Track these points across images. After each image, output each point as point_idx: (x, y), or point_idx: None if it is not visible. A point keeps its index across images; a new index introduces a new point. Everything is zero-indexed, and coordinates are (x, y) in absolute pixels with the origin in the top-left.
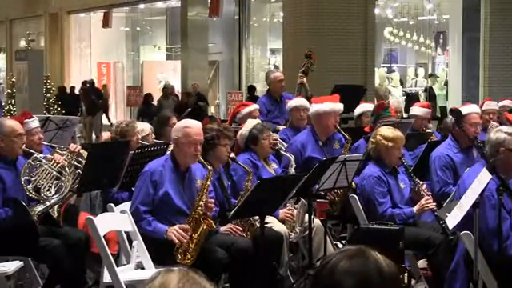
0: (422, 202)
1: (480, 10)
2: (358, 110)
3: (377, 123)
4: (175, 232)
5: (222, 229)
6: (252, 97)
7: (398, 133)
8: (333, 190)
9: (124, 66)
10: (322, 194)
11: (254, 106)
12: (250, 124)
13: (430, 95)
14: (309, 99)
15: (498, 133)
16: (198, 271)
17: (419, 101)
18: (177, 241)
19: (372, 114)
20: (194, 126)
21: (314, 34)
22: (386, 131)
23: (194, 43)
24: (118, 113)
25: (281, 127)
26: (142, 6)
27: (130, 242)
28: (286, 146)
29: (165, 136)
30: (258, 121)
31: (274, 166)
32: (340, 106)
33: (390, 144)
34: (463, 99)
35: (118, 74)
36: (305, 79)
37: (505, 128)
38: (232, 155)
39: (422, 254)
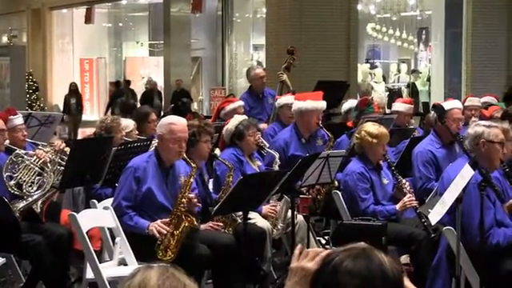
0: (405, 199)
1: (462, 5)
2: (346, 105)
3: (360, 119)
4: (156, 226)
5: (203, 227)
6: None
7: (382, 129)
8: (315, 186)
9: (107, 62)
10: (304, 191)
11: (239, 103)
12: (236, 119)
13: (413, 91)
14: (292, 93)
15: (476, 127)
16: (178, 267)
17: (402, 97)
18: (157, 235)
19: (355, 109)
20: (178, 122)
21: (297, 30)
22: (371, 127)
23: (177, 39)
24: (100, 109)
25: (264, 125)
26: (124, 1)
27: (113, 239)
28: (267, 145)
29: (145, 132)
30: (244, 117)
31: (258, 163)
32: (323, 104)
33: (375, 140)
34: (446, 95)
35: (101, 70)
36: (285, 76)
37: (482, 122)
38: (217, 151)
39: (405, 249)
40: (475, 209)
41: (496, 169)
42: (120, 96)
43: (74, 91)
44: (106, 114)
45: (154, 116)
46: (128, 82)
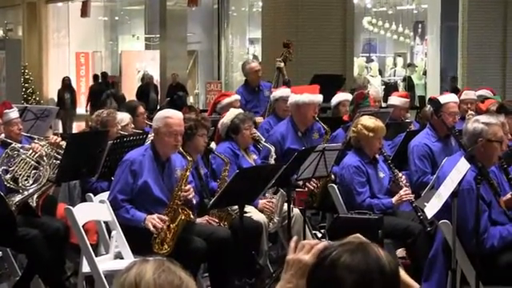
0: (401, 193)
1: None
2: (335, 99)
3: (356, 112)
4: (152, 220)
5: (199, 220)
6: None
7: (379, 123)
8: (312, 179)
9: (102, 55)
10: (300, 184)
11: (235, 97)
12: (231, 113)
13: (409, 85)
14: (287, 84)
15: (475, 123)
16: (174, 261)
17: (398, 90)
18: (153, 229)
19: (351, 103)
20: (175, 116)
21: (293, 24)
22: (368, 121)
23: (173, 33)
24: None
25: (260, 118)
26: None
27: (109, 232)
28: (263, 139)
29: (135, 125)
30: (240, 110)
31: (254, 156)
32: (319, 98)
33: (371, 134)
34: (441, 89)
35: (97, 63)
36: (282, 64)
37: (481, 118)
38: (213, 144)
39: (401, 243)
40: (470, 215)
41: (494, 165)
42: (100, 90)
43: (67, 86)
44: (86, 107)
45: (142, 109)
46: (104, 75)
